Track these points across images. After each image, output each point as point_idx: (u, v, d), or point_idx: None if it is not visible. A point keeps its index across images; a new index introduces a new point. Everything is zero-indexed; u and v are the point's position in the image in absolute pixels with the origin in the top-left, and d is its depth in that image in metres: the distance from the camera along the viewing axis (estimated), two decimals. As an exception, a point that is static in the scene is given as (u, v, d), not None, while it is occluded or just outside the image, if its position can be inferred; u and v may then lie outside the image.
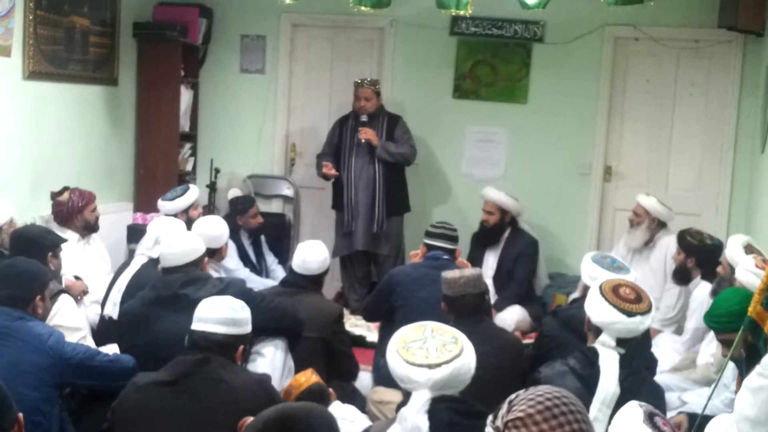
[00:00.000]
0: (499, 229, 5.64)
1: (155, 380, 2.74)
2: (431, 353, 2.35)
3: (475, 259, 5.66)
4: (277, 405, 2.00)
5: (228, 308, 2.86)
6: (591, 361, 2.86)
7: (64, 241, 4.14)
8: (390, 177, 5.97)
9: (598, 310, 2.93)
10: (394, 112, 6.15)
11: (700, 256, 4.67)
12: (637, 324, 2.89)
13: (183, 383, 2.68)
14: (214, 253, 4.54)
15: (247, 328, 2.88)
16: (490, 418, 1.79)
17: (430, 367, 2.32)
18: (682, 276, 4.81)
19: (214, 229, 4.55)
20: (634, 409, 2.08)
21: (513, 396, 1.78)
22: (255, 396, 2.65)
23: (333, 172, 5.93)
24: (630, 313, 2.89)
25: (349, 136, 6.01)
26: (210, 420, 2.57)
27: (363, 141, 5.89)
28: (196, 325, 2.82)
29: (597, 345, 2.90)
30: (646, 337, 3.82)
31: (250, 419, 1.97)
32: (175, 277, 3.50)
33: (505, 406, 1.77)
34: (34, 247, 3.83)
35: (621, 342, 2.89)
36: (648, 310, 2.93)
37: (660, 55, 6.15)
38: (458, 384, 2.35)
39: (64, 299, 3.71)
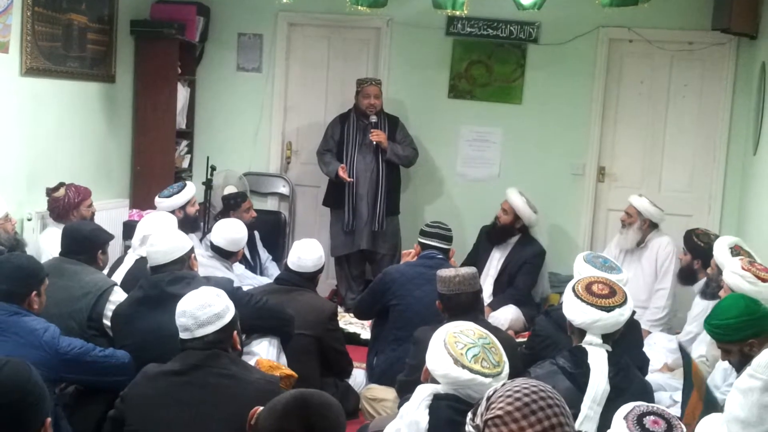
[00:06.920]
0: (508, 231, 5.62)
1: (165, 370, 2.73)
2: (467, 357, 2.40)
3: (481, 253, 5.69)
4: (290, 391, 2.05)
5: (204, 307, 2.78)
6: (580, 359, 2.89)
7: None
8: (391, 177, 6.01)
9: (577, 312, 2.96)
10: (390, 113, 6.16)
11: (707, 258, 4.40)
12: (618, 317, 2.94)
13: (193, 374, 2.69)
14: (230, 256, 4.68)
15: (231, 313, 2.83)
16: (470, 415, 1.78)
17: (455, 362, 2.38)
18: (687, 276, 4.70)
19: (236, 232, 4.67)
20: (628, 407, 2.13)
21: (491, 392, 1.76)
22: (265, 394, 2.61)
23: (349, 178, 5.87)
24: (609, 308, 2.93)
25: (353, 134, 6.01)
26: (216, 412, 2.59)
27: (374, 142, 5.90)
28: (184, 335, 2.77)
29: (584, 344, 2.94)
30: (638, 336, 3.86)
31: (260, 408, 2.00)
32: (161, 276, 3.47)
33: (483, 404, 1.74)
34: (87, 243, 3.89)
35: (606, 338, 2.94)
36: (624, 301, 2.98)
37: (654, 56, 6.18)
38: (466, 394, 2.39)
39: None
